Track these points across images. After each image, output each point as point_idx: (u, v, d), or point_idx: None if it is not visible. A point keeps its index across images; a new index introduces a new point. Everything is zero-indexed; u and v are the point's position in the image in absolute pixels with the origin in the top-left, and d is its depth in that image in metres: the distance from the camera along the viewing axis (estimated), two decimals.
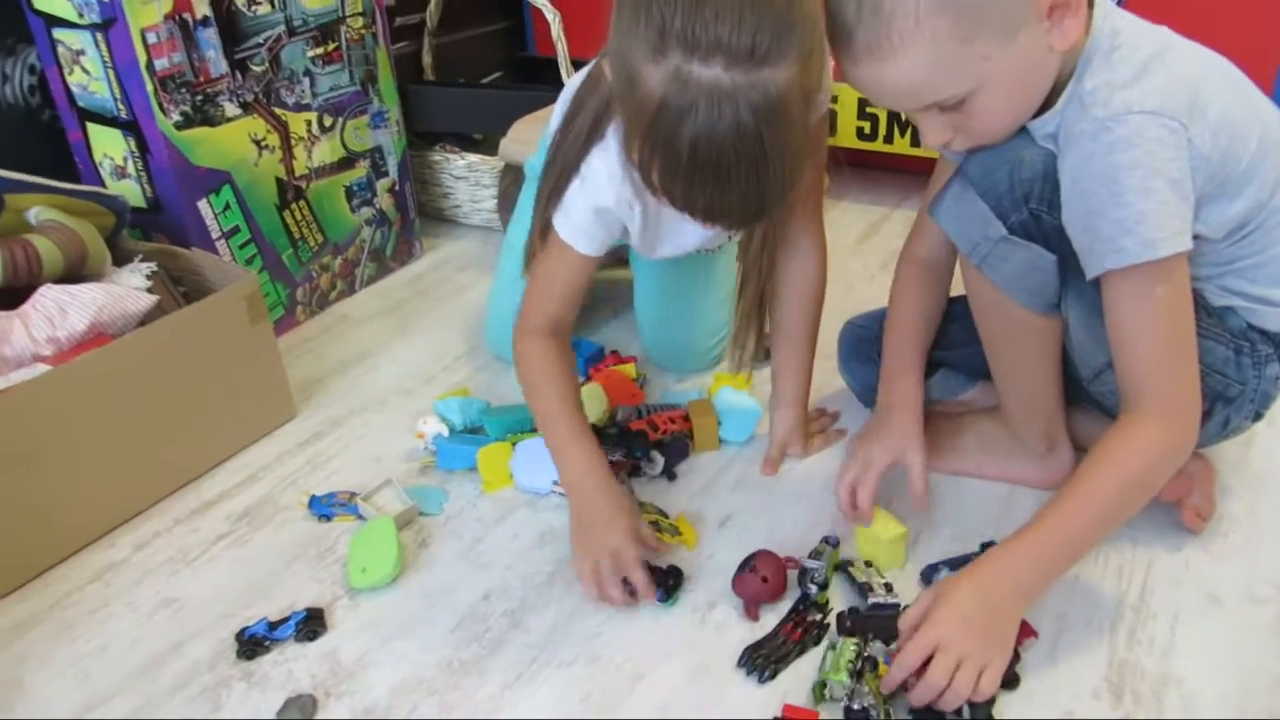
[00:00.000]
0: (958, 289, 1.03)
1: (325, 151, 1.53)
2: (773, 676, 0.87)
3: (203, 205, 1.36)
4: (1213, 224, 0.85)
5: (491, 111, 1.77)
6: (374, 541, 1.01)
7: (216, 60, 1.33)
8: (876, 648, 0.86)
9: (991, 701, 0.80)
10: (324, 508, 1.10)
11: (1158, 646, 0.89)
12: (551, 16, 1.70)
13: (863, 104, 1.83)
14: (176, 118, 1.29)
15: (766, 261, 1.07)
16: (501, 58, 2.24)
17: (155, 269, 1.20)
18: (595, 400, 1.21)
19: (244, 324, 1.19)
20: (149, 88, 1.25)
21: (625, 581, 0.94)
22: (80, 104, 1.31)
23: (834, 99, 1.81)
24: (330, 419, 1.30)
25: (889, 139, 1.83)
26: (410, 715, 0.86)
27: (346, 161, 1.58)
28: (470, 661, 0.91)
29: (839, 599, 0.96)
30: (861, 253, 1.72)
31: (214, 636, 0.95)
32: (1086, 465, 0.84)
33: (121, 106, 1.28)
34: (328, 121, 1.52)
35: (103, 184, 1.35)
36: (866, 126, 1.84)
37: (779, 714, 0.83)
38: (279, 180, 1.46)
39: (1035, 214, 0.87)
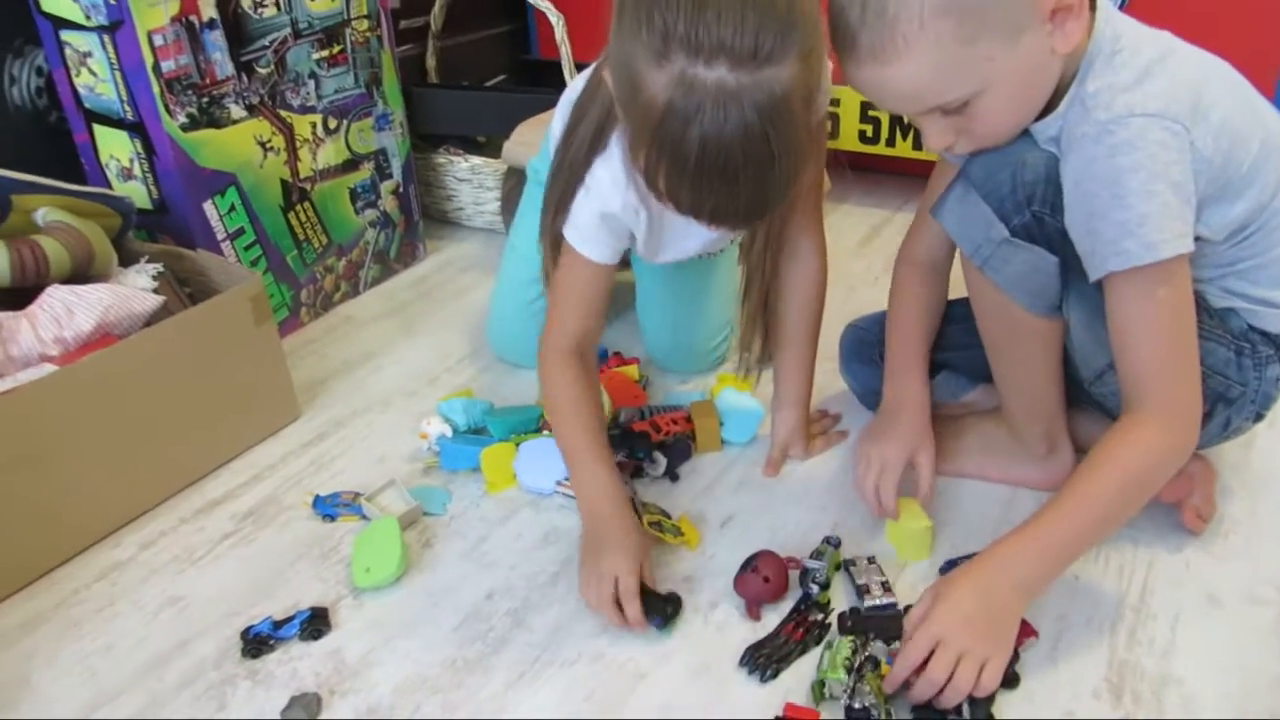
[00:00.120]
0: (958, 291, 1.03)
1: (330, 154, 1.54)
2: (774, 676, 0.87)
3: (208, 207, 1.36)
4: (1214, 226, 0.85)
5: (495, 114, 1.78)
6: (378, 541, 1.02)
7: (222, 62, 1.34)
8: (878, 647, 0.86)
9: (991, 700, 0.80)
10: (328, 508, 1.11)
11: (1158, 647, 0.89)
12: (555, 19, 1.70)
13: (865, 107, 1.83)
14: (182, 119, 1.30)
15: (769, 263, 1.07)
16: (505, 60, 2.24)
17: (161, 270, 1.21)
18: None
19: (249, 325, 1.19)
20: (155, 89, 1.26)
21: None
22: (87, 105, 1.31)
23: (836, 102, 1.82)
24: (334, 420, 1.30)
25: (891, 142, 1.84)
26: (414, 714, 0.86)
27: (351, 164, 1.58)
28: (474, 660, 0.91)
29: (841, 599, 0.96)
30: (864, 255, 1.73)
31: (219, 635, 0.95)
32: (1087, 465, 0.84)
33: (128, 108, 1.28)
34: (332, 124, 1.53)
35: (109, 185, 1.36)
36: (869, 130, 1.84)
37: (781, 713, 0.83)
38: (284, 182, 1.47)
39: (1038, 216, 0.87)
